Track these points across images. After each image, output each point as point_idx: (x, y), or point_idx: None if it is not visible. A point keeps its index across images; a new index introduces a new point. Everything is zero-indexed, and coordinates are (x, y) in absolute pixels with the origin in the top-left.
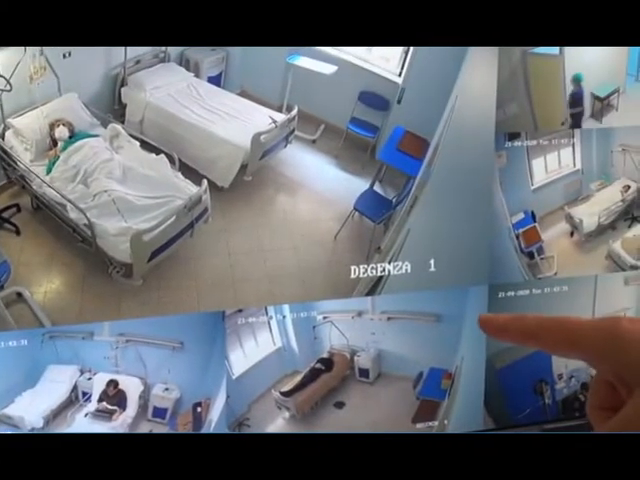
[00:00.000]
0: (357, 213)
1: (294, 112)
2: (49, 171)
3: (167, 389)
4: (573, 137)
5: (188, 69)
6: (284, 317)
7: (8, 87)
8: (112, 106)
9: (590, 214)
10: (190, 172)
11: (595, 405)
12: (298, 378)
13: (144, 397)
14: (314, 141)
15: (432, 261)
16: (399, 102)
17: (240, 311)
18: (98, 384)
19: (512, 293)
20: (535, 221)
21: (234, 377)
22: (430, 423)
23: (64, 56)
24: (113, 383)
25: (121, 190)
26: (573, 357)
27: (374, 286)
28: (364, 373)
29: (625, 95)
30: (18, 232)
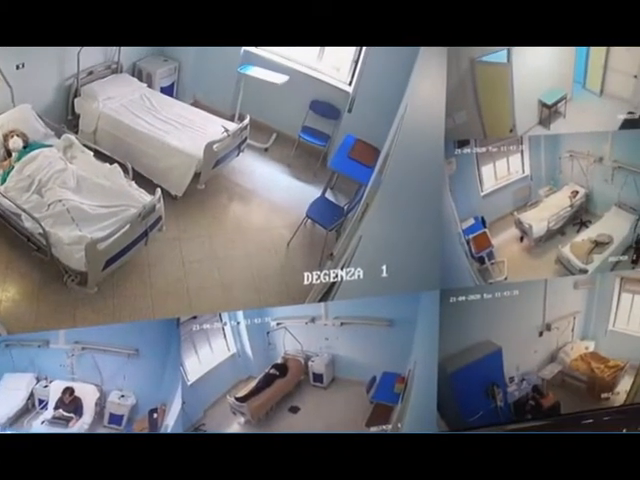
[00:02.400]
0: (309, 220)
1: (246, 121)
2: (3, 181)
3: (123, 396)
4: (521, 144)
5: (141, 80)
6: (238, 323)
7: None
8: (66, 117)
9: (539, 219)
10: (144, 181)
11: None
12: (253, 383)
13: (100, 404)
14: (266, 149)
15: (384, 267)
16: (350, 111)
17: (195, 318)
18: (54, 392)
19: (463, 298)
20: (485, 227)
21: (189, 383)
22: (384, 426)
23: (17, 67)
24: (69, 390)
25: (75, 199)
26: None
27: (327, 292)
28: (318, 378)
29: (572, 102)
30: None
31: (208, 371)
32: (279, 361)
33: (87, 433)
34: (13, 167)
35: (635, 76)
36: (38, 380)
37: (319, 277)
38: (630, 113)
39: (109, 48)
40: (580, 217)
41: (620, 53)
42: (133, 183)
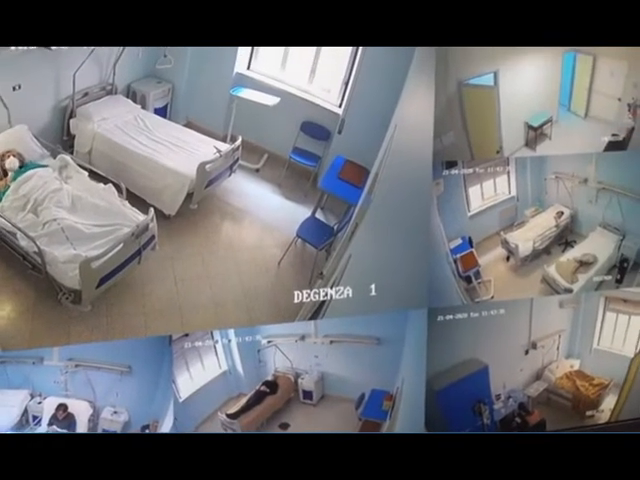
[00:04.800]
0: (300, 240)
1: (238, 142)
2: None
3: (115, 412)
4: (508, 165)
5: (135, 101)
6: (229, 341)
7: None
8: (61, 137)
9: (525, 239)
10: (137, 200)
11: None
12: (243, 400)
13: (93, 420)
14: (258, 170)
15: (373, 286)
16: (340, 132)
17: (187, 335)
18: (48, 408)
19: (451, 316)
20: (472, 246)
21: (181, 400)
22: None
23: (14, 88)
24: (63, 407)
25: (70, 219)
26: None
27: (317, 310)
28: (308, 395)
29: (558, 124)
30: None
31: (200, 388)
32: (269, 378)
33: (86, 433)
34: (9, 187)
35: (619, 99)
36: (32, 396)
37: (309, 296)
38: (614, 135)
39: (104, 70)
40: (565, 237)
41: (604, 77)
42: (127, 203)
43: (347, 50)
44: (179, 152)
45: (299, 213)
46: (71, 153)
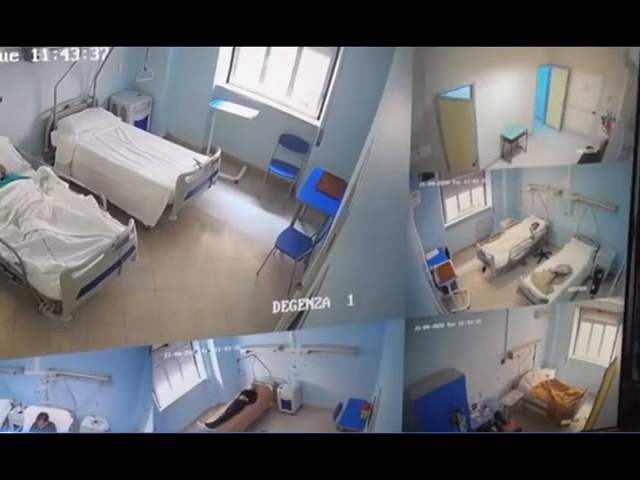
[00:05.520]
0: (278, 251)
1: (217, 154)
2: None
3: (96, 421)
4: (484, 177)
5: (115, 114)
6: (209, 351)
7: None
8: (42, 149)
9: (501, 250)
10: (118, 212)
11: None
12: (223, 410)
13: (74, 429)
14: (237, 182)
15: (351, 296)
16: (318, 144)
17: (166, 345)
18: (29, 417)
19: (427, 326)
20: (449, 257)
21: (161, 409)
22: None
23: None
24: (43, 416)
25: (51, 230)
26: None
27: (295, 321)
28: (286, 404)
29: (533, 137)
30: None
31: (179, 398)
32: (248, 388)
33: (82, 434)
34: None
35: (593, 112)
36: (13, 406)
37: (287, 306)
38: (589, 148)
39: (85, 83)
40: (540, 248)
41: (579, 90)
42: (107, 214)
43: (325, 63)
44: (159, 164)
45: (278, 224)
46: (52, 165)
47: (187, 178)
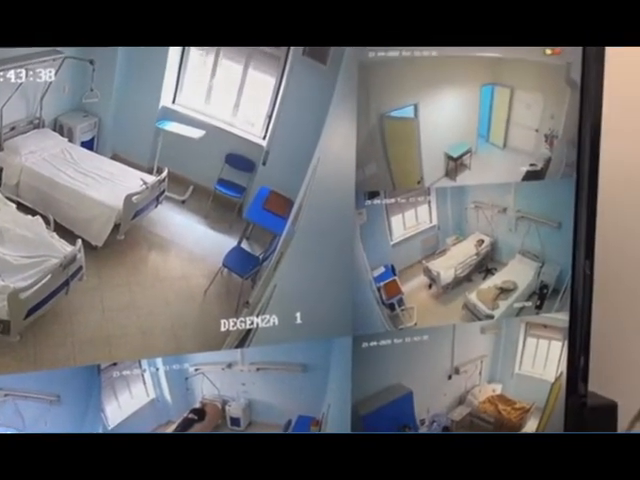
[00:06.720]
0: (226, 269)
1: (164, 174)
2: None
3: None
4: (429, 195)
5: (62, 134)
6: (157, 370)
7: None
8: None
9: (447, 267)
10: (65, 232)
11: None
12: (172, 428)
13: None
14: (184, 201)
15: (298, 314)
16: (264, 164)
17: (115, 365)
18: None
19: (375, 343)
20: (395, 274)
21: (110, 428)
22: None
23: None
24: None
25: None
26: None
27: (243, 339)
28: (235, 422)
29: (477, 155)
30: None
31: (128, 416)
32: (197, 406)
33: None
34: None
35: (536, 130)
36: None
37: (235, 324)
38: (532, 165)
39: (31, 104)
40: (486, 265)
41: (521, 109)
42: (55, 234)
43: (270, 84)
44: (106, 184)
45: (225, 243)
46: None
47: (134, 198)
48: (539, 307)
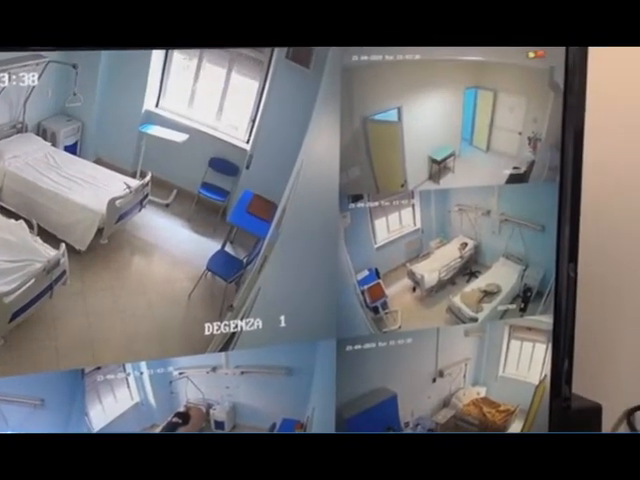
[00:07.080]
0: (210, 273)
1: (148, 178)
2: None
3: None
4: (413, 198)
5: (45, 139)
6: (141, 373)
7: None
8: None
9: (431, 270)
10: (49, 236)
11: None
12: (156, 431)
13: None
14: (167, 205)
15: (282, 317)
16: (248, 167)
17: (99, 368)
18: None
19: (359, 346)
20: (379, 278)
21: (94, 432)
22: None
23: None
24: None
25: None
26: None
27: (227, 342)
28: (220, 425)
29: (460, 158)
30: None
31: (112, 420)
32: (181, 409)
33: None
34: None
35: (519, 133)
36: None
37: (219, 328)
38: (515, 168)
39: (14, 109)
40: (470, 268)
41: (504, 112)
42: (38, 238)
43: (253, 87)
44: (89, 188)
45: (209, 247)
46: None
47: (118, 202)
48: (523, 310)
